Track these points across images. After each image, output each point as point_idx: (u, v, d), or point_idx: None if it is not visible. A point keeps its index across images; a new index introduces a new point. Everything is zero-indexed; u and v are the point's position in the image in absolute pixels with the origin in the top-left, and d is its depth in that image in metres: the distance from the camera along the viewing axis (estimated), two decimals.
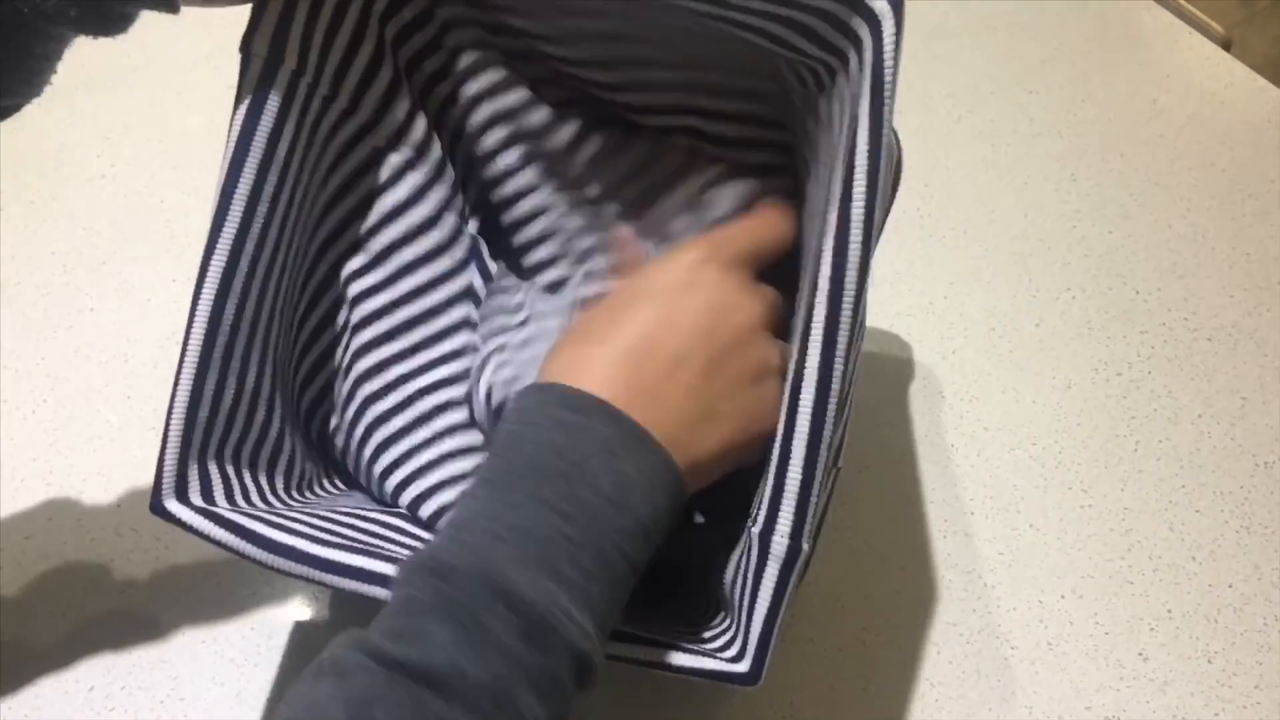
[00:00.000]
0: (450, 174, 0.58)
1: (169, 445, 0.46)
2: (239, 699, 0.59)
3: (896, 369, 0.73)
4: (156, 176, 0.80)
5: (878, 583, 0.64)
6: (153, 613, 0.61)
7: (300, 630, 0.61)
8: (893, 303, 0.75)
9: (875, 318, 0.75)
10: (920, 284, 0.77)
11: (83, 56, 0.87)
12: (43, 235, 0.77)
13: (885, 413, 0.71)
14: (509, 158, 0.57)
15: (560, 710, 0.37)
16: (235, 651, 0.60)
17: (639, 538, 0.39)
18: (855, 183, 0.40)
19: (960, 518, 0.67)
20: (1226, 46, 0.95)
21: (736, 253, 0.46)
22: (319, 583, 0.45)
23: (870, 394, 0.71)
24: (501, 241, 0.62)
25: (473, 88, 0.55)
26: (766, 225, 0.49)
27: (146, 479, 0.66)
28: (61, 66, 0.91)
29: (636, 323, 0.43)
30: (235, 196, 0.46)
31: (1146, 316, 0.76)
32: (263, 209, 0.47)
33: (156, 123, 0.83)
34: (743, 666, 0.43)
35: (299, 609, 0.62)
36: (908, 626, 0.63)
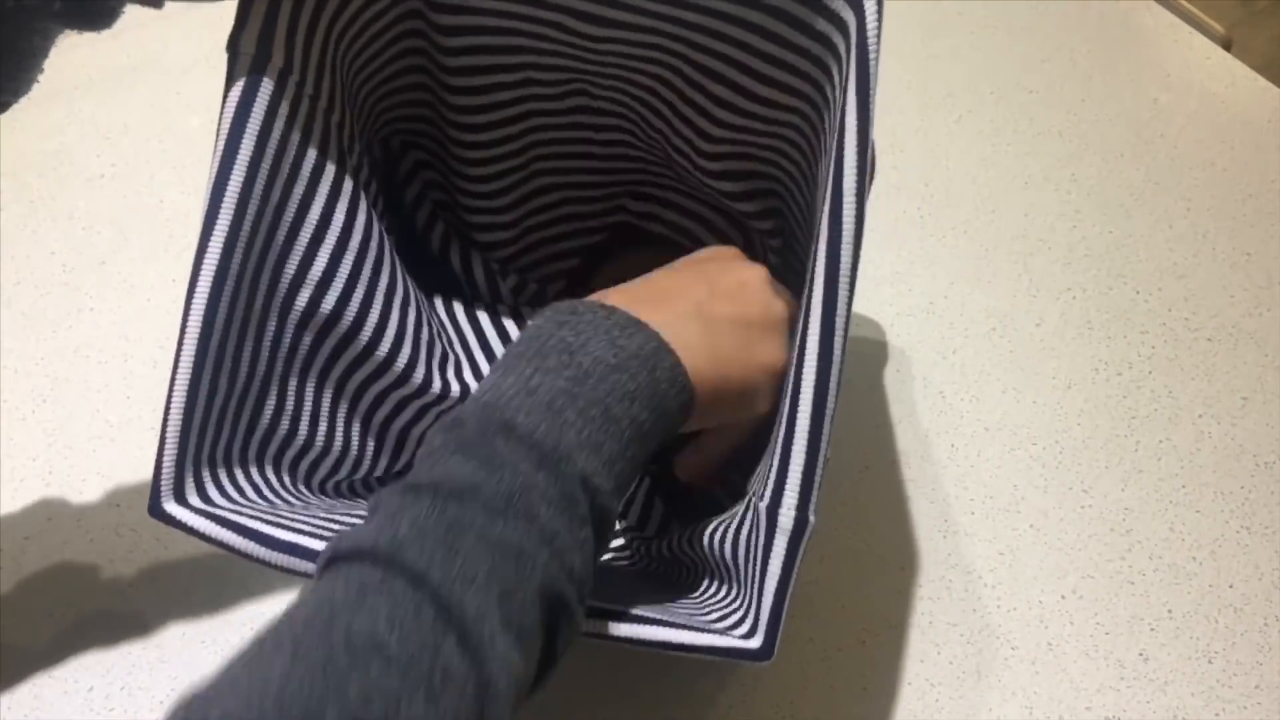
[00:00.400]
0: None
1: (165, 447, 0.46)
2: None
3: (897, 369, 0.73)
4: (156, 176, 0.80)
5: (878, 583, 0.64)
6: (153, 613, 0.61)
7: None
8: (893, 303, 0.75)
9: (876, 318, 0.75)
10: (920, 284, 0.77)
11: (83, 56, 0.87)
12: (43, 235, 0.77)
13: (885, 413, 0.71)
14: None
15: (578, 532, 0.39)
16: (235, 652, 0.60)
17: (641, 400, 0.42)
18: (846, 152, 0.42)
19: (960, 518, 0.67)
20: (1226, 46, 0.95)
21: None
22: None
23: (870, 394, 0.71)
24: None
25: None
26: None
27: (146, 479, 0.66)
28: (62, 66, 0.91)
29: (642, 280, 0.49)
30: (226, 195, 0.46)
31: (1146, 316, 0.76)
32: (254, 206, 0.47)
33: (156, 123, 0.83)
34: (755, 642, 0.43)
35: None
36: (908, 626, 0.63)
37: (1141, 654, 0.62)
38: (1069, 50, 0.93)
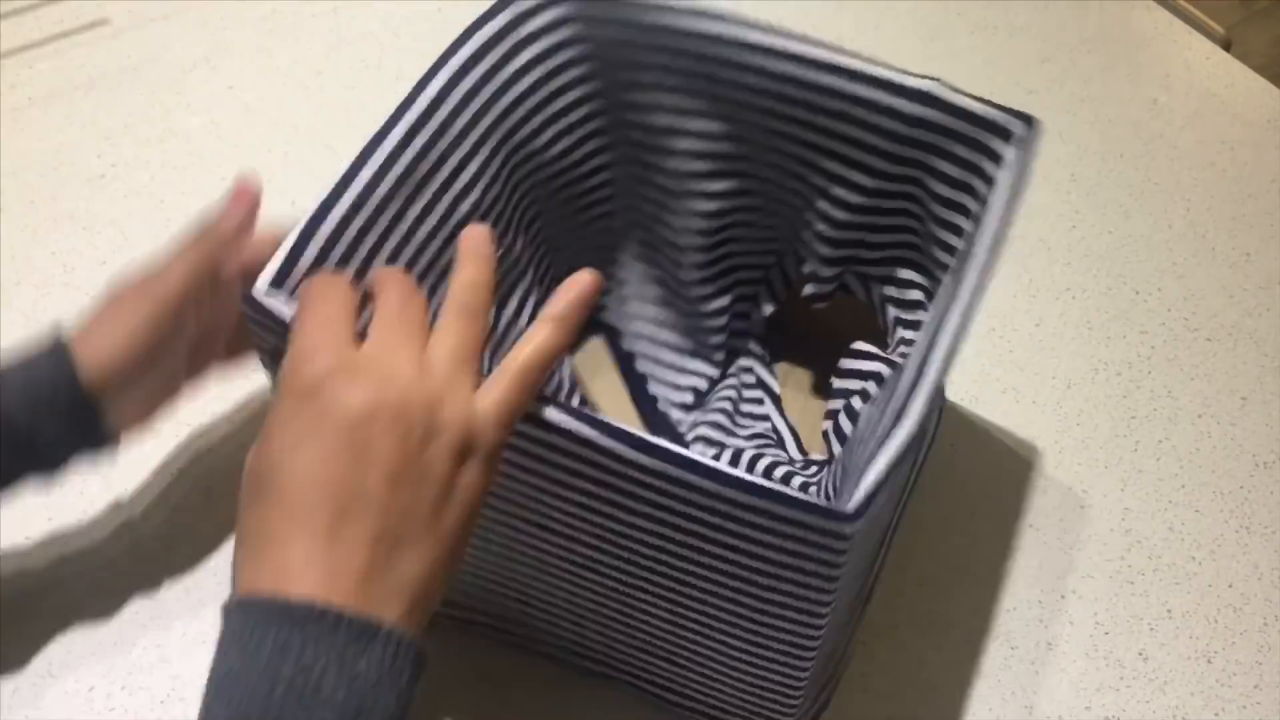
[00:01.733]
0: None
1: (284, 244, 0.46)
2: None
3: None
4: (156, 176, 0.80)
5: (878, 583, 0.64)
6: (153, 613, 0.61)
7: None
8: None
9: None
10: None
11: (83, 56, 0.87)
12: (43, 235, 0.77)
13: None
14: None
15: None
16: None
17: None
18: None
19: (961, 518, 0.67)
20: (1226, 46, 0.95)
21: (389, 335, 0.42)
22: None
23: None
24: None
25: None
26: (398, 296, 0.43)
27: (146, 479, 0.66)
28: (62, 66, 0.91)
29: (297, 483, 0.38)
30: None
31: (1146, 316, 0.77)
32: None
33: (156, 123, 0.83)
34: (848, 505, 0.41)
35: None
36: (907, 627, 0.63)
37: (1141, 654, 0.62)
38: (1069, 50, 0.93)
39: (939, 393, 0.47)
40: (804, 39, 0.55)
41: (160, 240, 0.77)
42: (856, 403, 0.60)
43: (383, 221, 0.50)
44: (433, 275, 0.53)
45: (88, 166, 0.80)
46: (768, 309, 0.67)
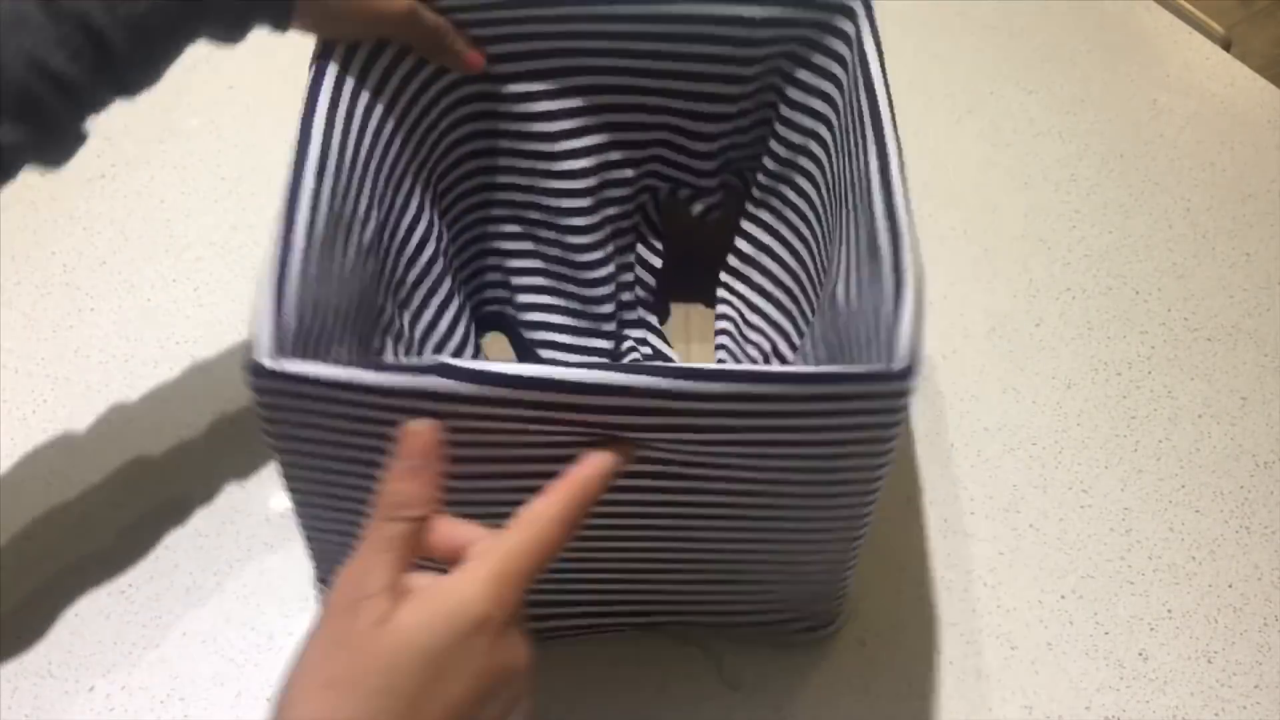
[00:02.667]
0: None
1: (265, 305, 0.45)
2: (239, 699, 0.59)
3: None
4: (156, 176, 0.80)
5: (878, 583, 0.64)
6: (153, 613, 0.61)
7: (300, 632, 0.61)
8: None
9: None
10: None
11: None
12: (43, 235, 0.77)
13: None
14: None
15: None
16: (235, 651, 0.60)
17: None
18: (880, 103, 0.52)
19: (960, 518, 0.67)
20: (1226, 46, 0.95)
21: (517, 593, 0.39)
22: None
23: None
24: None
25: None
26: (551, 535, 0.40)
27: (146, 479, 0.66)
28: None
29: (394, 698, 0.36)
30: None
31: (1146, 316, 0.77)
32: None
33: (156, 123, 0.83)
34: (897, 364, 0.43)
35: (299, 610, 0.62)
36: (908, 626, 0.63)
37: (1141, 654, 0.62)
38: (1069, 50, 0.93)
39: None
40: None
41: (160, 240, 0.77)
42: (753, 310, 0.64)
43: (334, 254, 0.50)
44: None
45: (88, 166, 0.80)
46: (654, 260, 0.70)
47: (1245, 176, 0.85)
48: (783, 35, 0.59)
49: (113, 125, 0.85)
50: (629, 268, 0.70)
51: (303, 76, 0.53)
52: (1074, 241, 0.80)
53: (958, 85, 0.89)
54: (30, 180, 0.80)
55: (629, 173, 0.66)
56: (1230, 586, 0.65)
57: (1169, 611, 0.64)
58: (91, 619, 0.61)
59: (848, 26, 0.57)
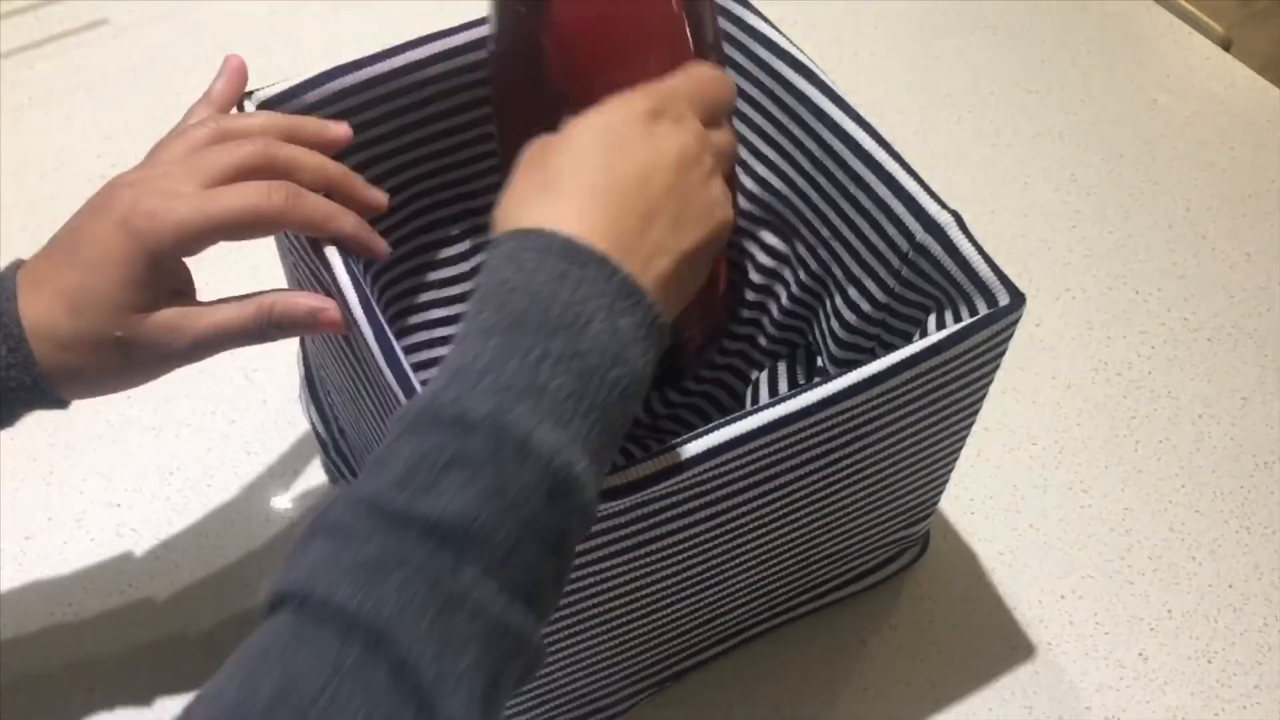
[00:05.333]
0: None
1: None
2: None
3: None
4: None
5: (878, 585, 0.64)
6: (152, 613, 0.61)
7: None
8: None
9: None
10: None
11: (83, 56, 0.87)
12: (43, 235, 0.76)
13: None
14: None
15: (565, 570, 0.37)
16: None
17: (634, 393, 0.38)
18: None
19: (960, 517, 0.67)
20: (1226, 46, 0.95)
21: (687, 104, 0.44)
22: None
23: None
24: None
25: None
26: (706, 79, 0.46)
27: (146, 479, 0.66)
28: (61, 66, 0.91)
29: (610, 173, 0.41)
30: None
31: (1146, 316, 0.77)
32: None
33: (156, 123, 0.83)
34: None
35: None
36: (908, 626, 0.63)
37: (1141, 654, 0.62)
38: (1069, 50, 0.93)
39: None
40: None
41: None
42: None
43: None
44: None
45: (88, 166, 0.80)
46: None
47: (1245, 176, 0.85)
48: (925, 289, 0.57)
49: (113, 125, 0.85)
50: None
51: (304, 76, 0.53)
52: (1074, 241, 0.80)
53: (958, 85, 0.89)
54: (30, 180, 0.80)
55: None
56: (1230, 586, 0.65)
57: (1169, 611, 0.64)
58: (91, 619, 0.61)
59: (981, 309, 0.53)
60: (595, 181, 0.40)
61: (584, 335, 0.37)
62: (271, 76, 0.53)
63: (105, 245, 0.45)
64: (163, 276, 0.46)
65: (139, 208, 0.45)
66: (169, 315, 0.47)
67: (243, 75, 0.52)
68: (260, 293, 0.48)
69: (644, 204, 0.40)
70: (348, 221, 0.48)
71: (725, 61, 0.57)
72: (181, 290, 0.48)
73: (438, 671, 0.32)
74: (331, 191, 0.49)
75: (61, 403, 0.49)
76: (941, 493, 0.59)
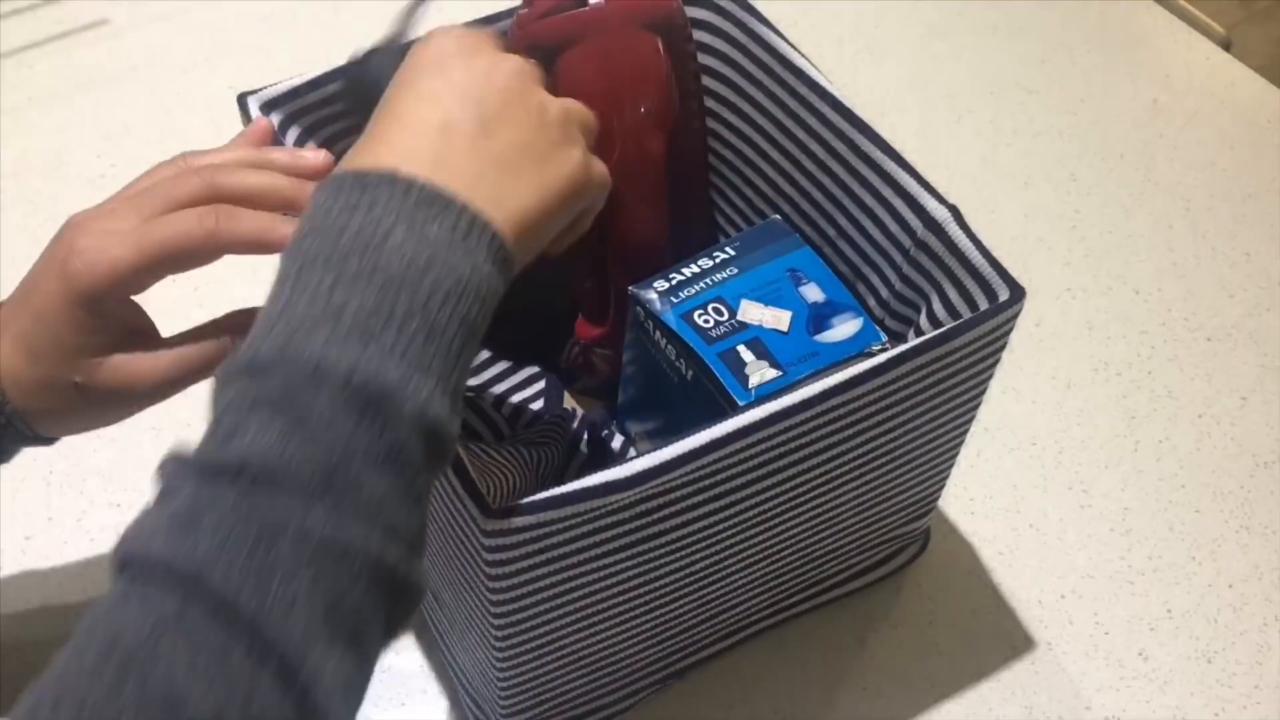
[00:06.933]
0: None
1: None
2: None
3: None
4: None
5: (878, 582, 0.64)
6: None
7: None
8: None
9: None
10: None
11: (83, 56, 0.87)
12: (43, 235, 0.76)
13: None
14: None
15: (409, 485, 0.35)
16: None
17: (465, 294, 0.37)
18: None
19: (960, 517, 0.67)
20: (1226, 46, 0.95)
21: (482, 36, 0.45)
22: None
23: None
24: None
25: None
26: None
27: (146, 479, 0.66)
28: (62, 66, 0.91)
29: (401, 104, 0.42)
30: None
31: (1146, 316, 0.77)
32: None
33: (156, 123, 0.83)
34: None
35: None
36: (908, 626, 0.63)
37: (1141, 654, 0.62)
38: (1069, 50, 0.93)
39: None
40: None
41: None
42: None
43: None
44: None
45: (88, 166, 0.80)
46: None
47: (1245, 176, 0.85)
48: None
49: (113, 125, 0.85)
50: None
51: (302, 77, 0.53)
52: (1074, 241, 0.80)
53: (958, 85, 0.89)
54: (30, 180, 0.80)
55: None
56: (1230, 586, 0.65)
57: (1169, 611, 0.64)
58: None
59: (982, 303, 0.53)
60: (400, 109, 0.41)
61: (382, 250, 0.36)
62: (271, 76, 0.53)
63: (47, 291, 0.45)
64: (108, 319, 0.45)
65: (74, 248, 0.44)
66: (125, 359, 0.46)
67: (266, 137, 0.52)
68: (222, 317, 0.48)
69: (468, 123, 0.41)
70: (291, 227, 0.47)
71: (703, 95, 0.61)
72: (138, 329, 0.47)
73: (260, 602, 0.32)
74: (293, 208, 0.47)
75: (47, 440, 0.49)
76: (943, 488, 0.59)
